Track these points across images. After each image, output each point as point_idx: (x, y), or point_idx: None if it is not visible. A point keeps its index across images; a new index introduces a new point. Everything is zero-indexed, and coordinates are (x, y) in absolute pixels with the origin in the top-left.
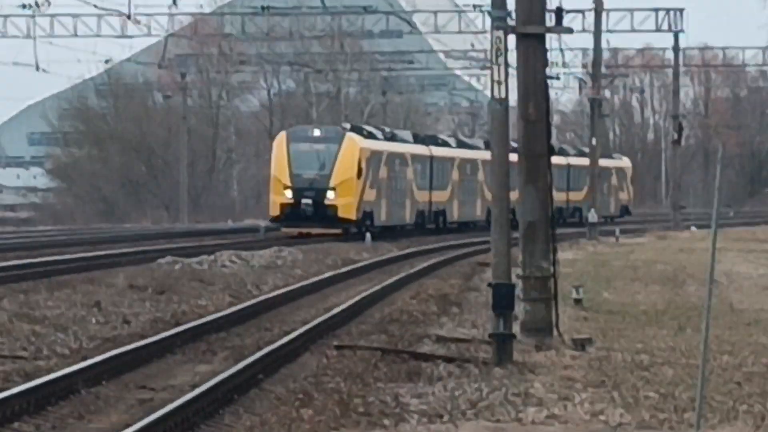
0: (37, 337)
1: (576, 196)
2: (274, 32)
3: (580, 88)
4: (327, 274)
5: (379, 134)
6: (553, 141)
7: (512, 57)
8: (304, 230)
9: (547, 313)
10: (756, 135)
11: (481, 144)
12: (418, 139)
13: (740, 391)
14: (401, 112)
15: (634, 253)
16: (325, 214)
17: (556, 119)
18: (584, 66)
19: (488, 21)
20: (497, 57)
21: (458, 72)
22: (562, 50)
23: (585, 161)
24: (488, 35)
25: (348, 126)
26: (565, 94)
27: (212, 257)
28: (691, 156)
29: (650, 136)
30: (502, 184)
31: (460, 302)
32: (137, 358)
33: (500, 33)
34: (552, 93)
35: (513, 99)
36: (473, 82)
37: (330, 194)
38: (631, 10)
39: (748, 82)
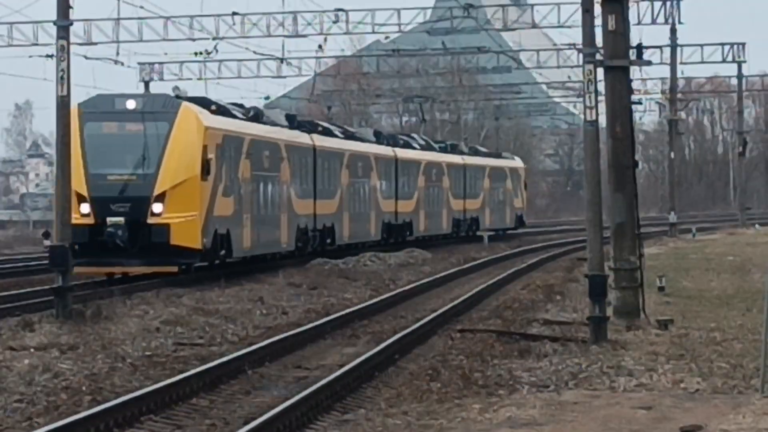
0: (211, 327)
1: (472, 204)
2: (404, 70)
3: (660, 111)
4: (451, 270)
5: (237, 111)
6: (637, 156)
7: (602, 86)
8: (115, 270)
9: (635, 299)
10: None
11: (371, 135)
12: (294, 124)
13: None
14: (511, 134)
15: (708, 248)
16: (148, 242)
17: (639, 137)
18: (663, 92)
19: (581, 57)
20: (589, 86)
21: (558, 99)
22: (643, 79)
23: (482, 161)
24: (581, 69)
25: (184, 92)
26: (647, 116)
27: (356, 258)
28: (755, 166)
29: (719, 149)
30: (594, 192)
31: (562, 291)
32: (294, 342)
33: (591, 66)
34: (636, 115)
35: (603, 121)
36: (571, 107)
37: (156, 207)
38: (701, 45)
39: None
